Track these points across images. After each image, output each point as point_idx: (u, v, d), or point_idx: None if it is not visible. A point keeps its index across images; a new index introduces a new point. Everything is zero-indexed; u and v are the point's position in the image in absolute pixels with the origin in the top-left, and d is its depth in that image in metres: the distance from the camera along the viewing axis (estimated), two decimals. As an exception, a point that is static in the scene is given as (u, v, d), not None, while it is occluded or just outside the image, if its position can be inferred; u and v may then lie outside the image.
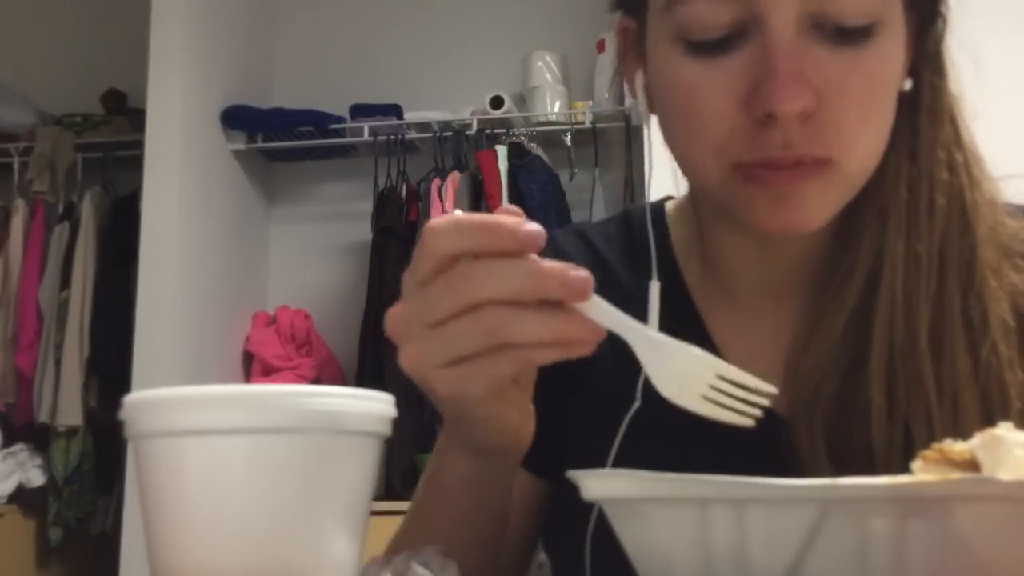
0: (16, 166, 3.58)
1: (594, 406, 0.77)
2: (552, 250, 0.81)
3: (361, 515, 0.50)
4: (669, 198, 0.86)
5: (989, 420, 0.66)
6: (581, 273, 0.51)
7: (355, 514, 0.49)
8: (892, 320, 0.68)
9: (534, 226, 0.51)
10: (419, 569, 0.51)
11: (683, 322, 0.75)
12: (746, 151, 0.65)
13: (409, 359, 0.54)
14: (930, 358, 0.67)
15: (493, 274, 0.51)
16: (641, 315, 0.58)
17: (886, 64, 0.66)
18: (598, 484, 0.47)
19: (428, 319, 0.52)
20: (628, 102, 3.07)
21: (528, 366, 0.56)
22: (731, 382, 0.54)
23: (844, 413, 0.69)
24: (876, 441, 0.67)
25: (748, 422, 0.54)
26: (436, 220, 0.53)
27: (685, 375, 0.54)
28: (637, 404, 0.67)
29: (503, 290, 0.51)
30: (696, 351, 0.54)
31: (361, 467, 0.49)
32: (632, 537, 0.47)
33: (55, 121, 3.64)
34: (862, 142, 0.66)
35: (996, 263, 0.70)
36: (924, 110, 0.70)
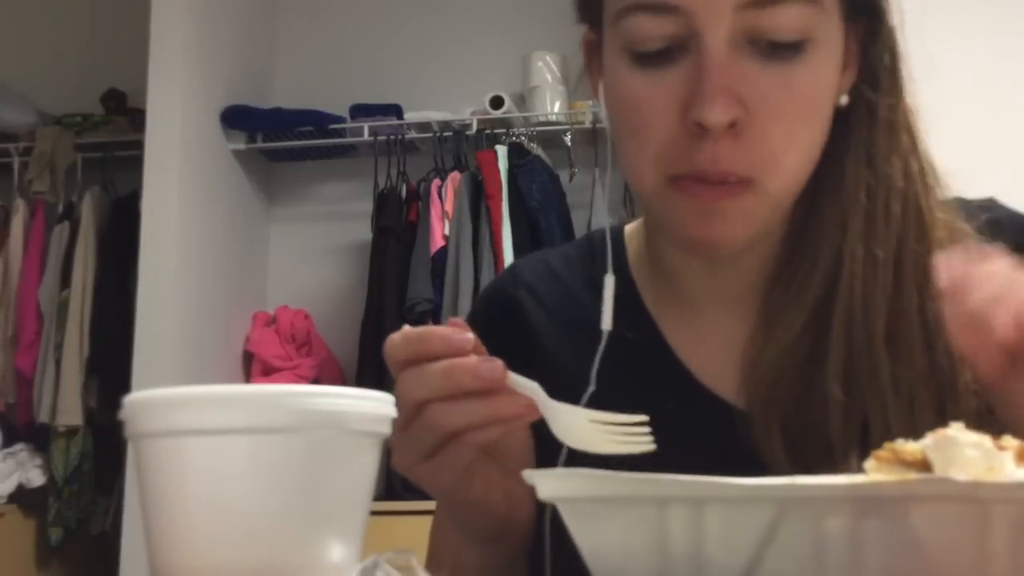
0: (16, 166, 3.58)
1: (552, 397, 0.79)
2: (513, 277, 0.87)
3: (361, 515, 0.50)
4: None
5: (942, 416, 0.68)
6: (493, 363, 0.59)
7: (355, 514, 0.49)
8: (851, 320, 0.71)
9: (463, 333, 0.60)
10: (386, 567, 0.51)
11: (637, 328, 0.79)
12: (680, 163, 0.69)
13: (396, 462, 0.64)
14: (887, 356, 0.70)
15: (421, 378, 0.60)
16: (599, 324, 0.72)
17: (815, 82, 0.69)
18: (554, 484, 0.47)
19: (397, 425, 0.59)
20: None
21: (481, 446, 0.64)
22: (604, 422, 0.61)
23: (803, 407, 0.71)
24: (834, 434, 0.69)
25: (647, 448, 0.60)
26: (392, 335, 0.62)
27: (572, 425, 0.61)
28: (592, 388, 0.69)
29: (428, 391, 0.59)
30: (568, 407, 0.61)
31: (361, 467, 0.49)
32: (587, 537, 0.47)
33: (55, 121, 3.64)
34: (785, 163, 0.69)
35: None
36: (880, 120, 0.73)
